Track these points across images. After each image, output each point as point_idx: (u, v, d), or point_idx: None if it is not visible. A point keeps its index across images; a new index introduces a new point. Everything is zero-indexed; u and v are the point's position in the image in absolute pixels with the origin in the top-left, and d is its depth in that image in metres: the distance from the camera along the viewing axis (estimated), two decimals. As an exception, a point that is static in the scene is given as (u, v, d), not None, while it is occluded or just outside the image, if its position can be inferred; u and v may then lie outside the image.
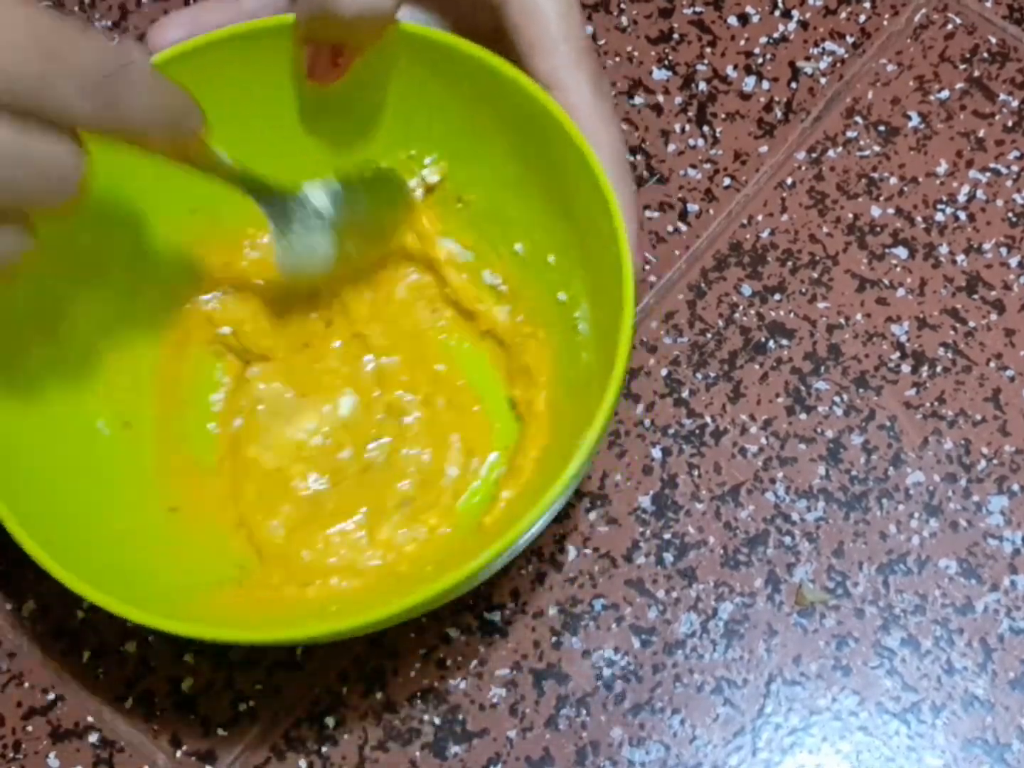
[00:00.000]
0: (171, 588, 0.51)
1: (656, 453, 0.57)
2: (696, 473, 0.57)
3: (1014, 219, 0.60)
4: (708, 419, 0.58)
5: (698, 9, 0.65)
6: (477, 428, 0.56)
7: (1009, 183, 0.61)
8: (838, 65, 0.64)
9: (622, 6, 0.65)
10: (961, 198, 0.61)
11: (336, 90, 0.54)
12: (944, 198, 0.61)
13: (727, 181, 0.62)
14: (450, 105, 0.54)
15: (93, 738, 0.54)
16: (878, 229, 0.60)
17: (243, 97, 0.53)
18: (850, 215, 0.61)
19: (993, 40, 0.64)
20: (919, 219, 0.61)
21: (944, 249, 0.60)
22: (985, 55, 0.63)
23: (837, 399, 0.58)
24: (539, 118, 0.51)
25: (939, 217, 0.61)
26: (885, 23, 0.64)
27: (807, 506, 0.56)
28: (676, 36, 0.64)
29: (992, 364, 0.58)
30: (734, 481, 0.57)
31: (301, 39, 0.51)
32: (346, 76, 0.53)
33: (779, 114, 0.63)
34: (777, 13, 0.65)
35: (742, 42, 0.64)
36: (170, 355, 0.57)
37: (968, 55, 0.63)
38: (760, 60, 0.64)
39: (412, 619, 0.55)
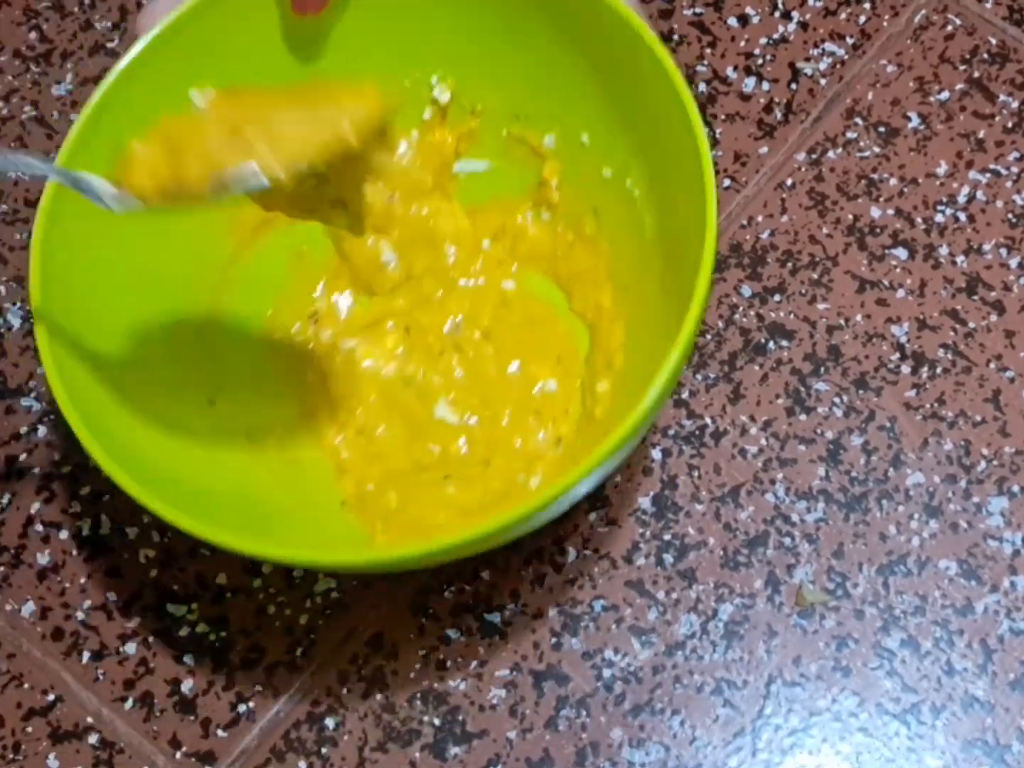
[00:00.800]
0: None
1: (656, 454, 0.57)
2: (696, 474, 0.57)
3: (1014, 220, 0.60)
4: (708, 420, 0.58)
5: (698, 10, 0.65)
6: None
7: (1009, 184, 0.61)
8: (838, 66, 0.63)
9: (622, 7, 0.65)
10: (961, 199, 0.61)
11: (322, 30, 0.53)
12: (944, 199, 0.61)
13: (727, 182, 0.62)
14: (441, 13, 0.53)
15: (93, 739, 0.54)
16: (878, 230, 0.60)
17: (233, 61, 0.53)
18: (850, 216, 0.61)
19: (993, 41, 0.64)
20: (919, 220, 0.61)
21: (944, 250, 0.60)
22: (985, 56, 0.63)
23: (837, 400, 0.58)
24: None
25: (939, 218, 0.61)
26: (885, 24, 0.64)
27: (807, 507, 0.56)
28: (676, 37, 0.64)
29: (992, 365, 0.58)
30: (734, 482, 0.57)
31: None
32: (329, 8, 0.52)
33: (779, 115, 0.63)
34: (777, 14, 0.65)
35: (742, 43, 0.64)
36: None
37: (968, 56, 0.63)
38: (760, 61, 0.64)
39: (416, 621, 0.55)
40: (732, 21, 0.65)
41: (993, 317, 0.59)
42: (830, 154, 0.62)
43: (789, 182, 0.61)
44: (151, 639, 0.55)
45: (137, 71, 0.51)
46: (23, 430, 0.59)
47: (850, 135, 0.62)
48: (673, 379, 0.46)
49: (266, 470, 0.54)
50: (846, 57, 0.64)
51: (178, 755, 0.53)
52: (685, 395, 0.58)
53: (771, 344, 0.59)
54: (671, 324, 0.48)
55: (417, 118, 0.57)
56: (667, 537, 0.56)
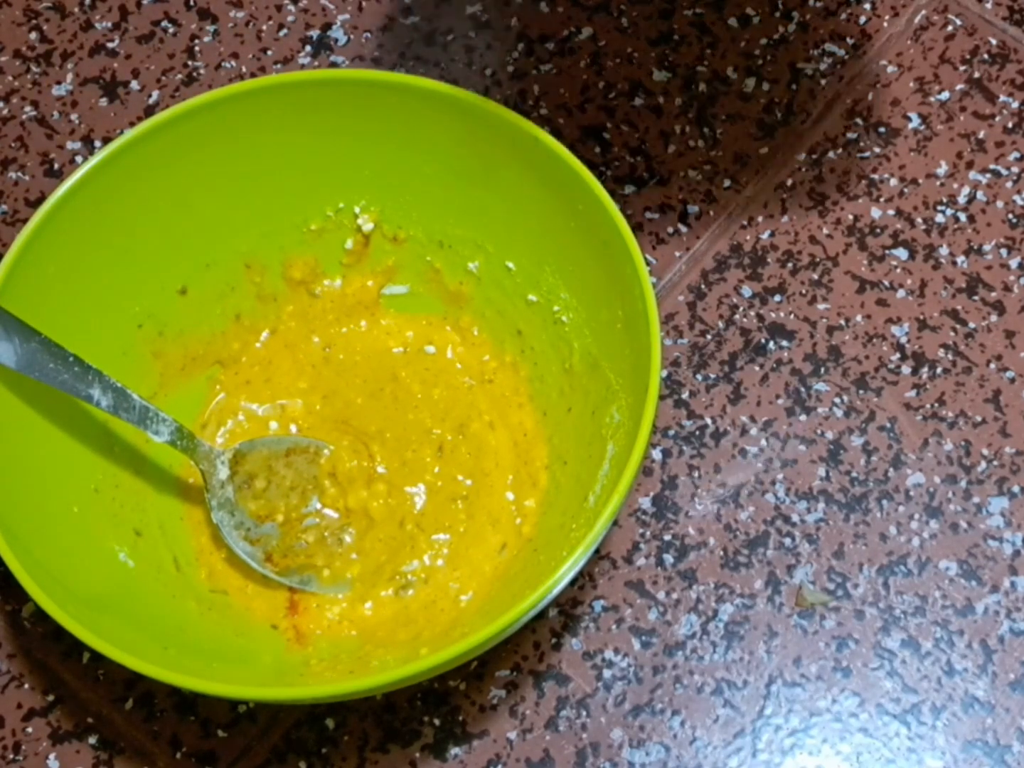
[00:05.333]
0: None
1: (656, 454, 0.57)
2: (696, 474, 0.57)
3: (1014, 220, 0.60)
4: (708, 420, 0.58)
5: (698, 10, 0.65)
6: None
7: (1009, 184, 0.61)
8: (838, 66, 0.64)
9: (622, 7, 0.65)
10: (961, 199, 0.61)
11: (246, 158, 0.54)
12: (944, 199, 0.61)
13: (727, 182, 0.62)
14: (366, 145, 0.54)
15: (93, 739, 0.54)
16: (878, 230, 0.60)
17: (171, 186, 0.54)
18: (850, 216, 0.61)
19: (993, 41, 0.64)
20: (919, 220, 0.61)
21: (944, 250, 0.60)
22: (985, 56, 0.63)
23: (837, 400, 0.58)
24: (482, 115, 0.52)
25: (939, 218, 0.61)
26: (885, 24, 0.64)
27: (807, 507, 0.56)
28: (676, 37, 0.64)
29: (992, 365, 0.58)
30: (734, 482, 0.57)
31: None
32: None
33: (779, 115, 0.63)
34: (777, 14, 0.65)
35: (742, 43, 0.64)
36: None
37: (968, 56, 0.63)
38: (760, 61, 0.64)
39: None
40: (732, 21, 0.65)
41: (993, 317, 0.59)
42: (830, 154, 0.62)
43: (789, 182, 0.61)
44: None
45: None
46: None
47: (850, 135, 0.62)
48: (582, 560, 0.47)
49: (194, 597, 0.53)
50: (846, 57, 0.64)
51: (178, 755, 0.53)
52: (685, 395, 0.58)
53: (771, 344, 0.59)
54: (594, 448, 0.51)
55: (339, 248, 0.57)
56: (667, 537, 0.56)
